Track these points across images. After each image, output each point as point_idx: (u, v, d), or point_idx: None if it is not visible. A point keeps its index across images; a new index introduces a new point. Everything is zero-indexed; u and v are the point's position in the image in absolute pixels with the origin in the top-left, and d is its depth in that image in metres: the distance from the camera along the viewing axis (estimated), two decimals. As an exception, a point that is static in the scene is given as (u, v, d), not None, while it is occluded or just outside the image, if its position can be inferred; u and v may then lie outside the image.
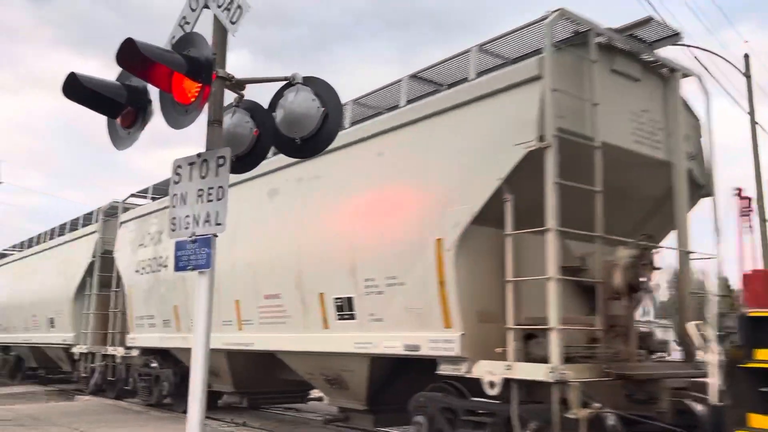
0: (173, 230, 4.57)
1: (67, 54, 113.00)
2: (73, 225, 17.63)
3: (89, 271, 15.20)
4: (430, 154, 6.90)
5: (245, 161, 4.86)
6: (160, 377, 12.39)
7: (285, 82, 4.70)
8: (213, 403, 12.66)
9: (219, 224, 4.30)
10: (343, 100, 5.06)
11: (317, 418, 11.92)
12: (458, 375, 6.45)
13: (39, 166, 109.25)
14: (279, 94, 4.73)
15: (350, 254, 7.67)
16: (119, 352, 13.44)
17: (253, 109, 4.85)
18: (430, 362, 6.93)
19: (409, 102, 7.64)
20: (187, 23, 4.74)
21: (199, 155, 4.51)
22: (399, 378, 8.10)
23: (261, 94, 4.93)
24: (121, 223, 13.70)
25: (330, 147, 8.38)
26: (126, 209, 14.20)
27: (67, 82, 4.43)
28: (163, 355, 12.57)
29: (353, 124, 8.43)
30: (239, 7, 4.39)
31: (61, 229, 18.31)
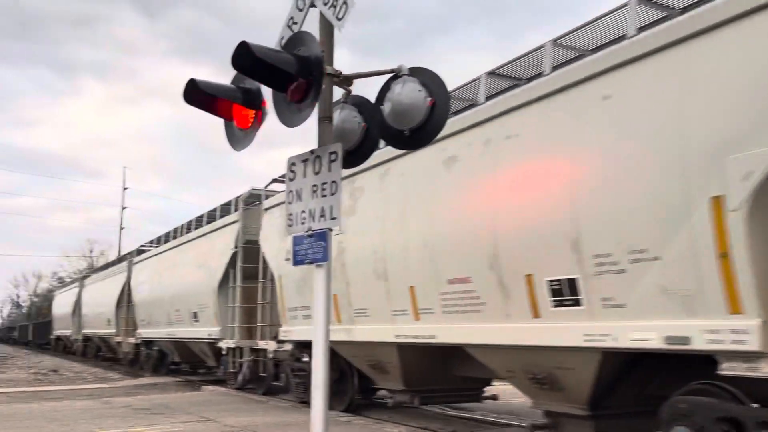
0: (290, 226, 4.70)
1: (179, 64, 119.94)
2: (210, 217, 17.16)
3: (232, 263, 14.50)
4: (690, 88, 5.28)
5: (355, 155, 4.91)
6: None
7: (391, 75, 4.70)
8: (367, 398, 11.34)
9: (334, 218, 4.39)
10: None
11: (499, 420, 10.59)
12: (756, 377, 4.84)
13: (158, 171, 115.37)
14: (386, 87, 4.71)
15: (570, 224, 6.19)
16: (270, 346, 12.63)
17: (360, 103, 4.89)
18: (682, 358, 5.43)
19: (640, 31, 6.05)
20: (295, 23, 4.82)
21: (312, 152, 4.62)
22: (627, 376, 6.60)
23: (366, 90, 4.94)
24: (266, 209, 12.86)
25: (527, 99, 7.11)
26: (268, 196, 13.41)
27: (187, 89, 4.53)
28: (318, 349, 11.61)
29: (554, 69, 6.94)
30: (345, 3, 4.43)
31: (198, 222, 17.78)
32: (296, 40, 4.50)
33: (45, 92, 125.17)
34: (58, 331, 39.74)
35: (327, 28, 4.68)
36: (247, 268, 14.03)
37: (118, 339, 24.73)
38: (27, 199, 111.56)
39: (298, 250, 4.61)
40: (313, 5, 4.72)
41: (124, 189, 50.68)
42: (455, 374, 9.34)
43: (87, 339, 31.63)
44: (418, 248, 8.25)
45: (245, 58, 4.14)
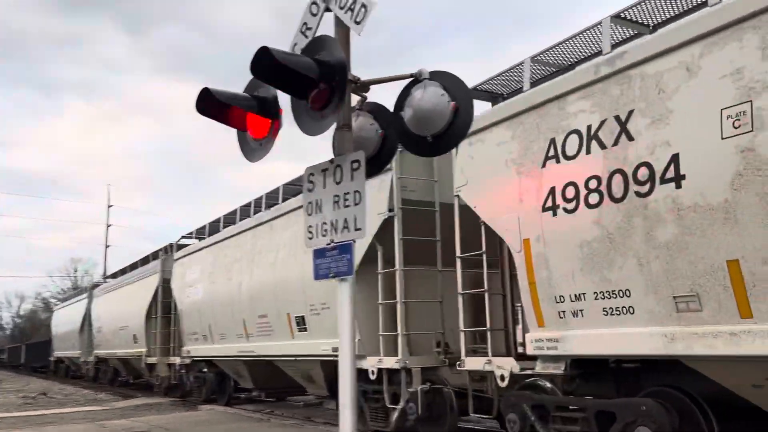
0: (310, 238, 4.61)
1: (164, 81, 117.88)
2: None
3: (383, 236, 8.73)
4: None
5: (372, 164, 4.75)
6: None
7: (410, 80, 4.62)
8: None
9: (358, 229, 4.30)
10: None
11: None
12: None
13: (144, 189, 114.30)
14: (405, 92, 4.64)
15: None
16: (504, 367, 7.13)
17: (376, 110, 4.80)
18: None
19: None
20: (309, 29, 4.74)
21: (331, 161, 4.53)
22: None
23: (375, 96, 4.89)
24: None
25: None
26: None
27: (200, 97, 4.40)
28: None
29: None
30: (363, 5, 4.34)
31: (290, 189, 12.45)
32: (317, 44, 4.39)
33: (28, 112, 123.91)
34: (59, 352, 34.51)
35: (343, 32, 4.58)
36: (412, 242, 8.49)
37: (152, 360, 19.44)
38: (10, 219, 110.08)
39: (319, 263, 4.51)
40: (328, 9, 4.63)
41: (109, 207, 50.26)
42: None
43: (101, 361, 26.31)
44: None
45: (266, 63, 3.99)
